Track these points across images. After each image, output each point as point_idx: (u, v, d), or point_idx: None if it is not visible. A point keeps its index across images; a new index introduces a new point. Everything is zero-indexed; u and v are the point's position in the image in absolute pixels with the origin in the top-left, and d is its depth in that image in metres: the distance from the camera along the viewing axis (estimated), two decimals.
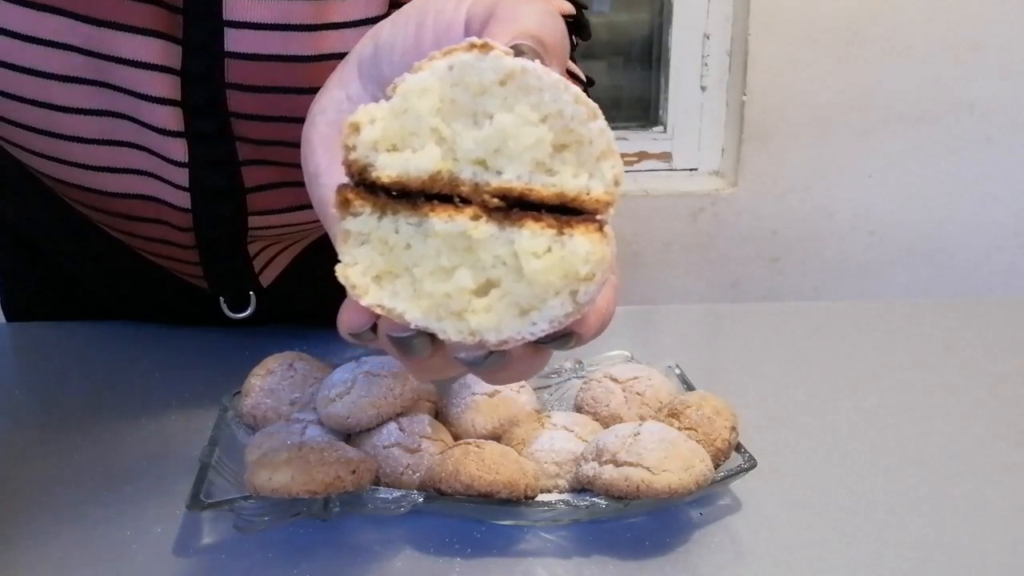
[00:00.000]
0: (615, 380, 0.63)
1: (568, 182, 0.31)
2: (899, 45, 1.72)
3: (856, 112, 1.75)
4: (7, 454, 0.61)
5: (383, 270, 0.32)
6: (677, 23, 1.76)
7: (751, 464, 0.56)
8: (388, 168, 0.31)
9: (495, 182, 0.31)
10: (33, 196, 0.74)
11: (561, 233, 0.31)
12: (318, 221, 0.69)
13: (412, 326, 0.32)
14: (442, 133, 0.31)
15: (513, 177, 0.31)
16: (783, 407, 0.69)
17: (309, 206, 0.66)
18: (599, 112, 0.31)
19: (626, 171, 1.65)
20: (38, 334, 0.81)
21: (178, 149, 0.60)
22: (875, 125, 1.76)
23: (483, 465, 0.52)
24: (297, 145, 0.59)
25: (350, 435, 0.58)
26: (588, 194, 0.31)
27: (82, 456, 0.61)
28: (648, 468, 0.51)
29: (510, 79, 0.31)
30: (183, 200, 0.63)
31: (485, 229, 0.31)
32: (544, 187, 0.31)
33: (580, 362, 0.68)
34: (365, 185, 0.32)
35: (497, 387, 0.61)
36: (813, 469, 0.61)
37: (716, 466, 0.56)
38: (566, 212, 0.31)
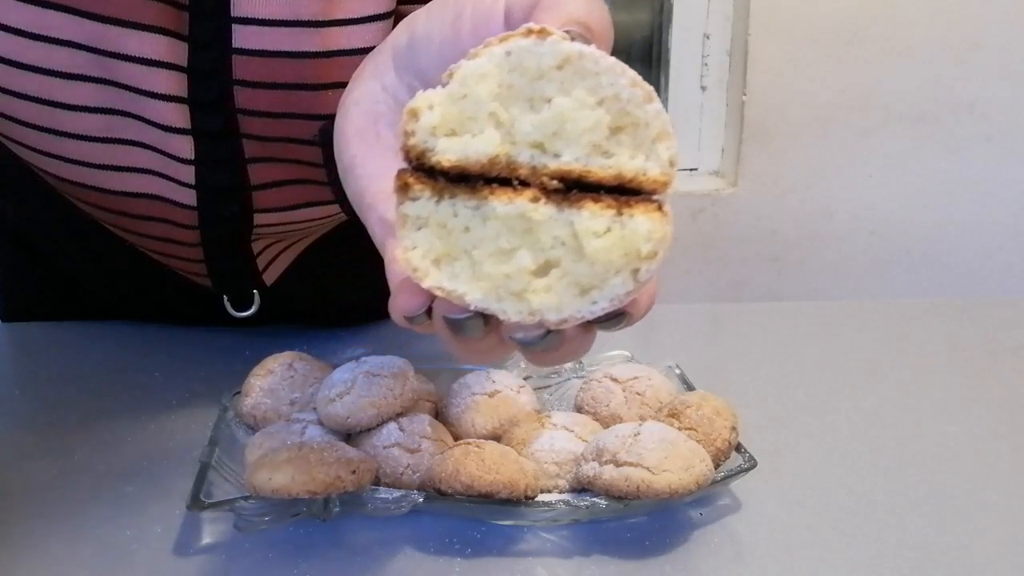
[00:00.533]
0: (615, 380, 0.63)
1: (625, 164, 0.31)
2: (899, 45, 1.72)
3: (856, 112, 1.75)
4: (7, 454, 0.61)
5: (442, 253, 0.33)
6: (677, 23, 1.76)
7: (751, 464, 0.56)
8: (448, 152, 0.32)
9: (553, 165, 0.31)
10: (33, 196, 0.74)
11: (620, 213, 0.31)
12: (323, 218, 0.69)
13: (471, 307, 0.33)
14: (500, 117, 0.32)
15: (571, 159, 0.31)
16: (783, 407, 0.69)
17: (315, 203, 0.65)
18: (655, 95, 0.31)
19: None
20: (38, 334, 0.81)
21: (184, 146, 0.60)
22: (875, 125, 1.76)
23: (483, 465, 0.52)
24: (304, 142, 0.60)
25: (350, 435, 0.58)
26: (645, 175, 0.31)
27: (82, 456, 0.61)
28: (648, 468, 0.51)
29: (567, 63, 0.31)
30: (188, 198, 0.63)
31: (544, 211, 0.31)
32: (602, 169, 0.31)
33: (580, 362, 0.68)
34: (423, 170, 0.32)
35: (497, 388, 0.61)
36: (813, 469, 0.61)
37: (716, 466, 0.56)
38: (624, 193, 0.31)
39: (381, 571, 0.52)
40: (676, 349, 0.79)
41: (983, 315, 0.87)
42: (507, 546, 0.53)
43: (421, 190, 0.32)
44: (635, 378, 0.62)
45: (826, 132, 1.76)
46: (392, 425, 0.57)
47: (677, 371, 0.67)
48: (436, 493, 0.53)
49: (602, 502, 0.53)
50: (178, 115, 0.59)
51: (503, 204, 0.31)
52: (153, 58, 0.57)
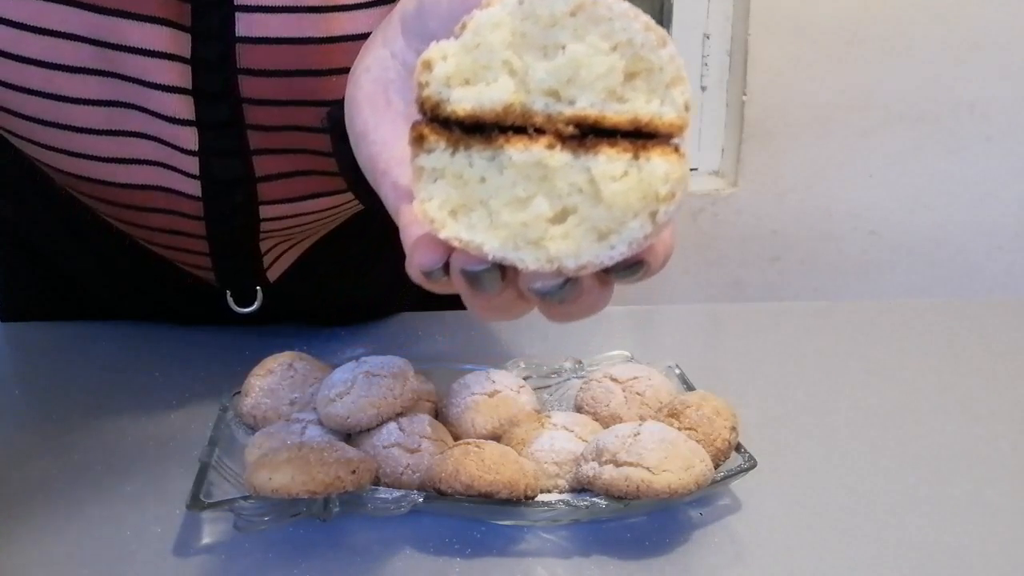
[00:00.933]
0: (615, 380, 0.63)
1: (641, 107, 0.31)
2: (899, 45, 1.72)
3: (856, 112, 1.75)
4: (7, 454, 0.61)
5: (458, 204, 0.33)
6: (677, 23, 1.76)
7: (751, 464, 0.56)
8: (463, 102, 0.32)
9: (568, 111, 0.31)
10: (33, 196, 0.74)
11: (637, 156, 0.31)
12: (329, 209, 0.68)
13: (490, 257, 0.33)
14: (514, 66, 0.32)
15: (586, 105, 0.31)
16: (783, 407, 0.69)
17: (321, 194, 0.65)
18: (668, 39, 0.31)
19: None
20: (37, 334, 0.80)
21: (188, 137, 0.60)
22: (875, 125, 1.76)
23: (483, 465, 0.52)
24: (310, 129, 0.60)
25: (350, 435, 0.58)
26: (661, 118, 0.31)
27: (82, 456, 0.61)
28: (648, 468, 0.51)
29: (580, 10, 0.31)
30: (194, 188, 0.63)
31: (560, 157, 0.31)
32: (617, 114, 0.31)
33: (580, 362, 0.68)
34: (438, 121, 0.32)
35: (496, 388, 0.61)
36: (813, 469, 0.61)
37: (716, 466, 0.56)
38: (640, 137, 0.31)
39: (381, 571, 0.52)
40: (676, 349, 0.79)
41: (983, 315, 0.87)
42: (507, 546, 0.53)
43: (436, 141, 0.32)
44: (635, 378, 0.62)
45: (826, 132, 1.76)
46: (392, 425, 0.57)
47: (677, 371, 0.67)
48: (436, 493, 0.53)
49: (602, 502, 0.53)
50: (182, 106, 0.59)
51: (519, 152, 0.31)
52: (156, 49, 0.57)
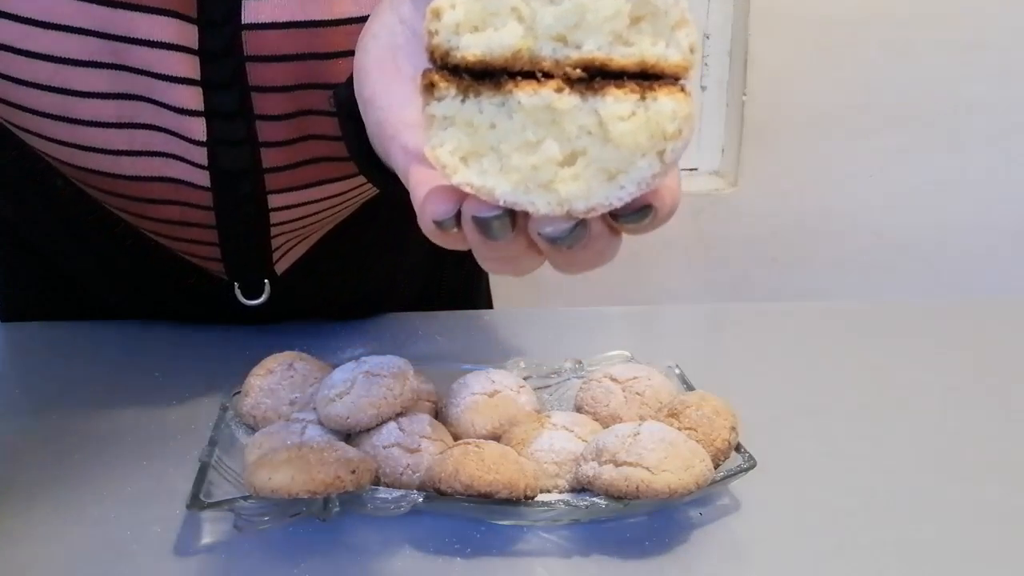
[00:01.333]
0: (615, 380, 0.63)
1: (647, 50, 0.32)
2: (899, 45, 1.72)
3: (856, 112, 1.75)
4: (7, 454, 0.61)
5: (469, 151, 0.33)
6: None
7: (751, 464, 0.56)
8: (472, 48, 0.32)
9: (576, 55, 0.32)
10: (33, 196, 0.74)
11: (644, 97, 0.31)
12: (337, 196, 0.68)
13: (501, 202, 0.33)
14: (521, 12, 0.32)
15: (593, 48, 0.32)
16: (783, 407, 0.69)
17: (328, 181, 0.66)
18: None
19: None
20: (37, 334, 0.81)
21: (197, 128, 0.61)
22: (875, 125, 1.76)
23: (483, 465, 0.52)
24: (317, 113, 0.60)
25: (350, 435, 0.58)
26: (666, 60, 0.32)
27: (82, 456, 0.61)
28: (648, 468, 0.51)
29: None
30: (203, 179, 0.63)
31: (569, 100, 0.32)
32: (624, 56, 0.31)
33: (580, 362, 0.69)
34: (448, 69, 0.33)
35: (496, 388, 0.61)
36: (813, 469, 0.61)
37: (716, 466, 0.56)
38: (646, 79, 0.32)
39: (381, 571, 0.52)
40: (676, 349, 0.79)
41: (983, 315, 0.87)
42: (507, 546, 0.53)
43: (447, 88, 0.33)
44: (635, 378, 0.62)
45: (826, 132, 1.76)
46: (392, 425, 0.57)
47: (677, 371, 0.67)
48: (436, 493, 0.53)
49: (602, 502, 0.53)
50: (191, 96, 0.59)
51: (528, 96, 0.32)
52: (164, 41, 0.57)
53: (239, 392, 0.63)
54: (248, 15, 0.57)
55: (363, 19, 0.57)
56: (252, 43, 0.58)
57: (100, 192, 0.67)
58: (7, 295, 0.86)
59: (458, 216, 0.36)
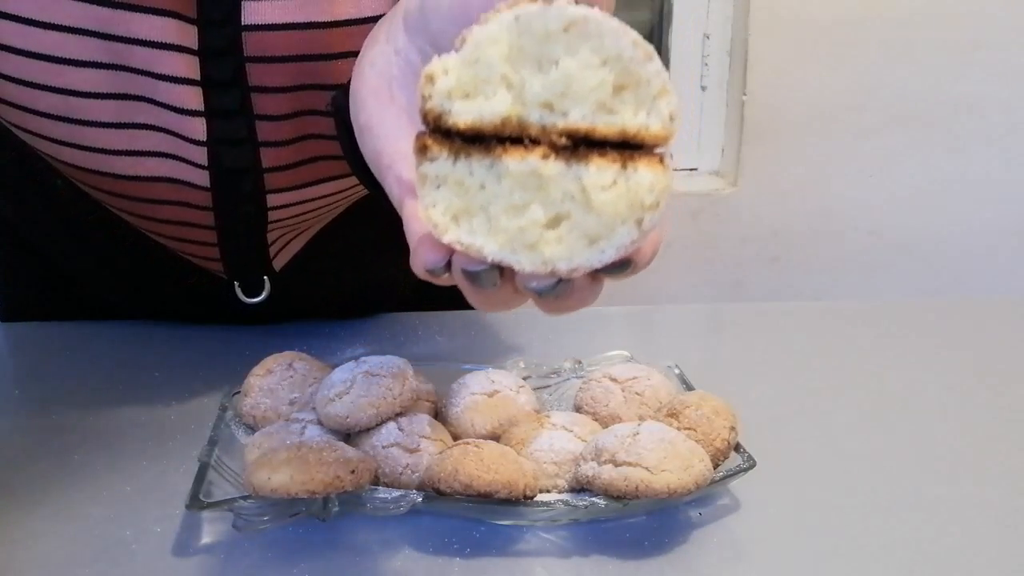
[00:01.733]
0: (614, 380, 0.63)
1: (629, 120, 0.33)
2: (899, 45, 1.72)
3: (856, 112, 1.75)
4: (7, 453, 0.61)
5: (460, 209, 0.35)
6: (677, 23, 1.76)
7: (750, 464, 0.56)
8: (463, 115, 0.34)
9: (562, 123, 0.33)
10: (33, 196, 0.74)
11: (625, 167, 0.33)
12: (335, 194, 0.68)
13: (489, 259, 0.35)
14: (511, 80, 0.34)
15: (578, 117, 0.33)
16: (783, 407, 0.69)
17: (327, 179, 0.66)
18: (655, 54, 0.33)
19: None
20: (37, 334, 0.81)
21: (197, 128, 0.61)
22: (875, 125, 1.76)
23: (482, 465, 0.52)
24: (317, 113, 0.61)
25: (349, 435, 0.58)
26: (647, 130, 0.33)
27: (82, 456, 0.61)
28: (647, 468, 0.51)
29: (573, 26, 0.33)
30: (203, 179, 0.63)
31: (554, 167, 0.33)
32: (607, 126, 0.33)
33: (580, 362, 0.69)
34: (440, 131, 0.34)
35: (496, 388, 0.61)
36: (813, 469, 0.61)
37: (715, 466, 0.56)
38: (628, 147, 0.33)
39: (381, 571, 0.52)
40: (675, 349, 0.79)
41: (983, 315, 0.87)
42: (506, 546, 0.53)
43: (439, 151, 0.35)
44: (634, 378, 0.62)
45: (826, 132, 1.76)
46: (391, 425, 0.57)
47: (676, 371, 0.67)
48: (435, 493, 0.53)
49: (601, 502, 0.53)
50: (191, 96, 0.60)
51: (516, 162, 0.33)
52: (164, 41, 0.57)
53: (239, 392, 0.63)
54: (248, 16, 0.58)
55: (363, 20, 0.57)
56: (252, 44, 0.58)
57: (100, 192, 0.67)
58: (7, 295, 0.86)
59: (449, 263, 0.37)
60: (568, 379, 0.68)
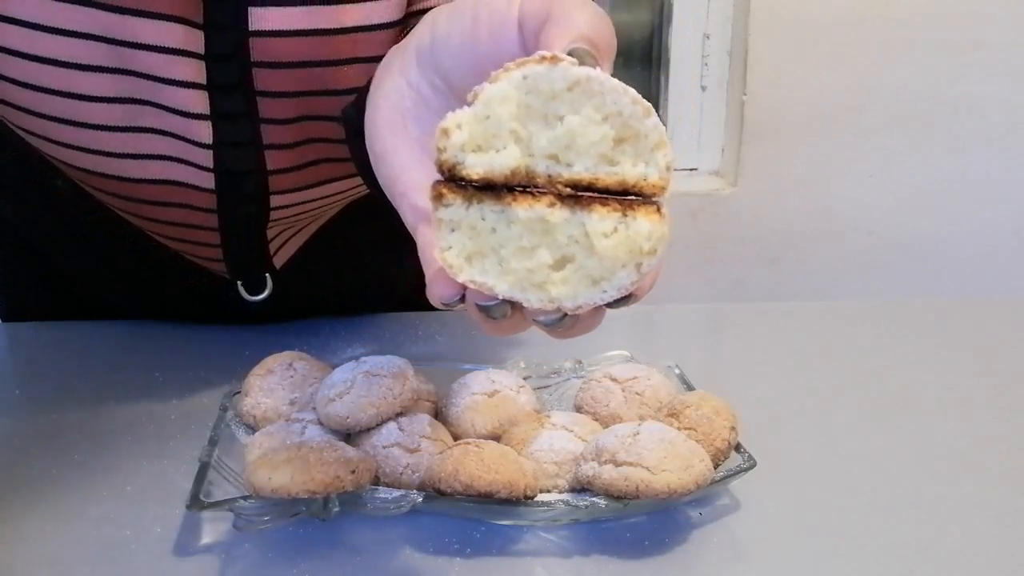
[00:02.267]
0: (615, 380, 0.63)
1: (628, 171, 0.36)
2: (899, 45, 1.72)
3: (856, 112, 1.75)
4: (7, 453, 0.61)
5: (473, 251, 0.38)
6: (677, 23, 1.76)
7: (751, 464, 0.56)
8: (476, 167, 0.37)
9: (567, 174, 0.37)
10: (33, 196, 0.74)
11: (625, 215, 0.36)
12: (336, 195, 0.70)
13: (499, 297, 0.38)
14: (519, 134, 0.37)
15: (582, 169, 0.36)
16: (783, 407, 0.69)
17: (330, 180, 0.68)
18: (652, 110, 0.36)
19: None
20: (38, 334, 0.81)
21: (203, 131, 0.61)
22: (875, 125, 1.76)
23: (483, 465, 0.52)
24: (322, 118, 0.62)
25: (350, 435, 0.58)
26: (646, 180, 0.36)
27: (82, 456, 0.61)
28: (647, 468, 0.52)
29: (576, 86, 0.36)
30: (207, 181, 0.64)
31: (560, 214, 0.37)
32: (608, 176, 0.36)
33: (580, 362, 0.69)
34: (454, 180, 0.37)
35: (496, 388, 0.61)
36: (813, 469, 0.61)
37: (715, 466, 0.56)
38: (628, 196, 0.37)
39: (381, 571, 0.52)
40: (676, 349, 0.79)
41: (983, 315, 0.87)
42: (507, 546, 0.53)
43: (453, 198, 0.37)
44: (635, 378, 0.62)
45: (826, 132, 1.76)
46: (392, 425, 0.57)
47: (676, 371, 0.67)
48: (435, 493, 0.53)
49: (601, 502, 0.53)
50: (197, 100, 0.60)
51: (524, 209, 0.37)
52: (170, 46, 0.58)
53: (239, 392, 0.63)
54: (254, 22, 0.58)
55: (370, 28, 0.58)
56: (259, 49, 0.59)
57: (104, 194, 0.68)
58: (7, 295, 0.86)
59: (463, 297, 0.41)
60: (568, 379, 0.68)
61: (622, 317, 0.87)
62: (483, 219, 0.37)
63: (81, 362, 0.74)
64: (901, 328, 0.84)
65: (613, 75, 0.37)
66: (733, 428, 0.58)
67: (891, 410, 0.69)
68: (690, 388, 0.65)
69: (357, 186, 0.69)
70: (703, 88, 1.79)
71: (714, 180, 1.83)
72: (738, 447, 0.58)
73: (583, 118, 0.36)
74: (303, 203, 0.68)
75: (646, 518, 0.55)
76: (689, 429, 0.57)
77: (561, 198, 0.37)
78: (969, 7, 1.70)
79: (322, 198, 0.69)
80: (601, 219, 0.36)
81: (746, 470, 0.56)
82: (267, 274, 0.73)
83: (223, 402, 0.62)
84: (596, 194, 0.36)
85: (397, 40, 0.54)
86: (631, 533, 0.54)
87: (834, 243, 1.83)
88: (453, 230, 0.38)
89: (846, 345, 0.80)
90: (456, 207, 0.37)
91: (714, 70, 1.78)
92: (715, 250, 1.82)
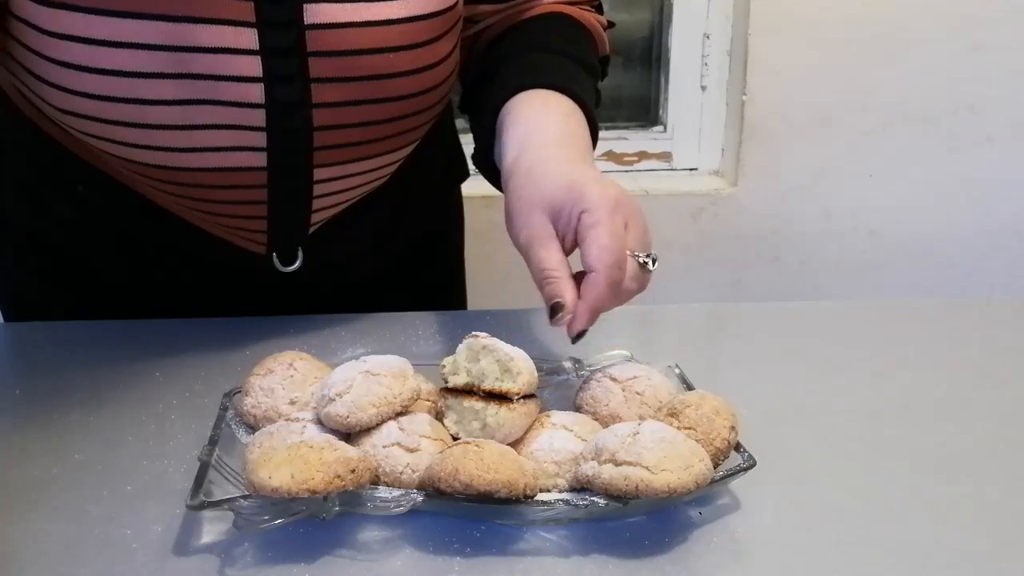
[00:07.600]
0: (615, 380, 0.63)
1: (506, 385, 0.59)
2: (899, 45, 1.71)
3: (856, 112, 1.75)
4: (7, 453, 0.62)
5: (455, 420, 0.61)
6: (677, 23, 1.76)
7: (750, 463, 0.56)
8: (453, 380, 0.60)
9: (484, 385, 0.59)
10: (59, 201, 0.76)
11: (500, 406, 0.59)
12: (373, 171, 0.76)
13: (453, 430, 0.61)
14: (468, 368, 0.60)
15: (489, 383, 0.59)
16: (783, 407, 0.69)
17: (366, 157, 0.74)
18: (522, 355, 0.61)
19: (626, 171, 1.64)
20: (37, 334, 0.81)
21: (258, 118, 0.67)
22: (875, 125, 1.76)
23: (482, 464, 0.52)
24: (370, 102, 0.69)
25: (349, 435, 0.58)
26: (512, 389, 0.59)
27: (82, 456, 0.61)
28: (647, 467, 0.52)
29: (485, 348, 0.60)
30: (260, 160, 0.70)
31: (480, 404, 0.59)
32: (497, 386, 0.59)
33: (580, 362, 0.69)
34: (447, 388, 0.61)
35: None
36: (813, 469, 0.61)
37: (715, 465, 0.56)
38: (503, 397, 0.59)
39: (381, 570, 0.52)
40: (676, 349, 0.79)
41: (983, 315, 0.87)
42: (506, 545, 0.53)
43: (447, 395, 0.61)
44: (634, 377, 0.63)
45: (826, 132, 1.76)
46: (392, 424, 0.57)
47: (676, 371, 0.67)
48: (435, 492, 0.53)
49: (601, 501, 0.53)
50: (253, 93, 0.66)
51: (467, 400, 0.60)
52: (226, 46, 0.64)
53: (239, 391, 0.63)
54: (309, 17, 0.65)
55: (413, 19, 0.68)
56: (314, 41, 0.65)
57: (159, 183, 0.72)
58: (8, 295, 0.86)
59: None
60: (568, 379, 0.68)
61: (622, 317, 0.87)
62: (459, 403, 0.60)
63: (81, 361, 0.74)
64: (901, 328, 0.84)
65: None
66: (733, 428, 0.58)
67: (891, 410, 0.69)
68: (690, 388, 0.65)
69: (392, 163, 0.76)
70: (703, 88, 1.79)
71: (714, 180, 1.83)
72: (738, 446, 0.58)
73: (488, 360, 0.59)
74: (343, 177, 0.74)
75: (646, 518, 0.55)
76: (689, 429, 0.57)
77: (481, 396, 0.58)
78: (969, 7, 1.69)
79: (360, 173, 0.74)
80: (494, 407, 0.58)
81: (746, 469, 0.56)
82: (299, 247, 0.78)
83: (223, 402, 0.62)
84: (493, 394, 0.59)
85: (443, 28, 0.70)
86: (631, 533, 0.54)
87: (834, 243, 1.83)
88: (448, 408, 0.60)
89: (846, 345, 0.80)
90: (449, 399, 0.60)
91: (714, 70, 1.78)
92: (715, 250, 1.82)
